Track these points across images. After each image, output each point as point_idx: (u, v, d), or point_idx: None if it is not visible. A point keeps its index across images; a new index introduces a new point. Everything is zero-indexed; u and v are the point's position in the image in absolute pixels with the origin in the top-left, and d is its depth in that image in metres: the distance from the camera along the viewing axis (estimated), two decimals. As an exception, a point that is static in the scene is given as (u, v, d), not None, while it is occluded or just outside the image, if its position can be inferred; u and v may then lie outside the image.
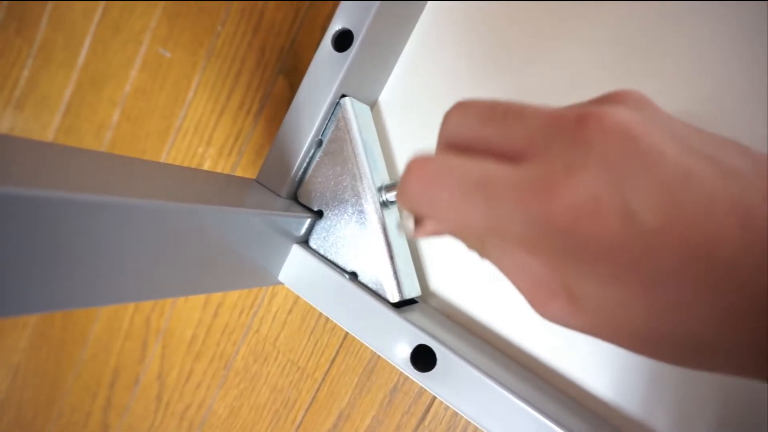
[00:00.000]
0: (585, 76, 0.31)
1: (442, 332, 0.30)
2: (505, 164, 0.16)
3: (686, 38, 0.29)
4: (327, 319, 0.42)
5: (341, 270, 0.31)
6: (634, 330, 0.15)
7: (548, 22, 0.31)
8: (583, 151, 0.15)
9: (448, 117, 0.19)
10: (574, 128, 0.15)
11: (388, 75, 0.35)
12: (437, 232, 0.21)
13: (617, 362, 0.30)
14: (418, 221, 0.21)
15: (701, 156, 0.14)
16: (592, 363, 0.31)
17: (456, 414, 0.37)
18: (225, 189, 0.29)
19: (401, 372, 0.38)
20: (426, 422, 0.38)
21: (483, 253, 0.19)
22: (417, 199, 0.17)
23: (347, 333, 0.41)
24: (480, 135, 0.17)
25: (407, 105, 0.35)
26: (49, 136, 0.56)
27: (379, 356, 0.40)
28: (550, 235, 0.15)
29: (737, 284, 0.13)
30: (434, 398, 0.38)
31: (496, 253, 0.18)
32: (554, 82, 0.31)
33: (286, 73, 0.44)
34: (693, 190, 0.14)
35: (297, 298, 0.43)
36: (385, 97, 0.35)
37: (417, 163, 0.17)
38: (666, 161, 0.14)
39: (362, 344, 0.40)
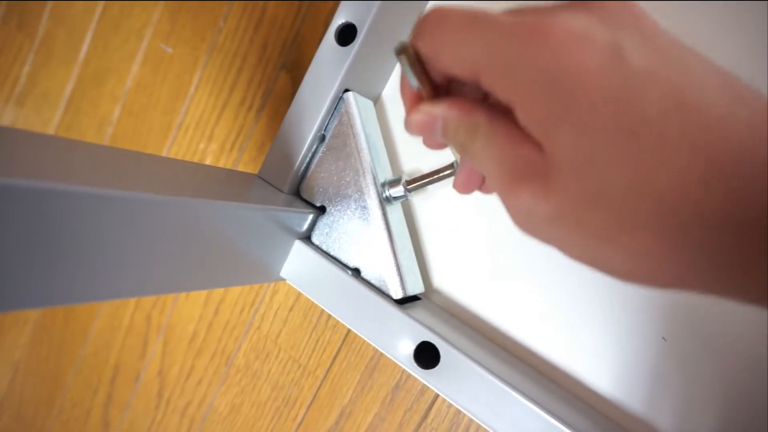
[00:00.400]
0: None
1: (445, 329, 0.29)
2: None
3: (684, 37, 0.28)
4: (329, 316, 0.42)
5: (344, 266, 0.31)
6: (609, 203, 0.14)
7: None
8: (585, 8, 0.15)
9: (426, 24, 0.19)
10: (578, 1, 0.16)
11: (392, 70, 0.35)
12: (434, 131, 0.20)
13: (620, 360, 0.30)
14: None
15: (692, 52, 0.15)
16: (596, 360, 0.31)
17: (459, 412, 0.37)
18: (227, 184, 0.29)
19: (403, 369, 0.38)
20: (428, 420, 0.38)
21: (468, 145, 0.19)
22: (429, 30, 0.18)
23: (349, 330, 0.41)
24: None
25: (411, 100, 0.35)
26: (50, 131, 0.55)
27: (381, 354, 0.39)
28: (540, 59, 0.15)
29: (725, 143, 0.13)
30: (437, 396, 0.38)
31: (481, 141, 0.18)
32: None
33: (289, 68, 0.44)
34: (683, 60, 0.14)
35: (299, 295, 0.43)
36: (388, 92, 0.35)
37: (435, 10, 0.18)
38: (661, 34, 0.15)
39: (364, 341, 0.40)
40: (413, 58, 0.19)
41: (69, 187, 0.17)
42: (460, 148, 0.19)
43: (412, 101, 0.20)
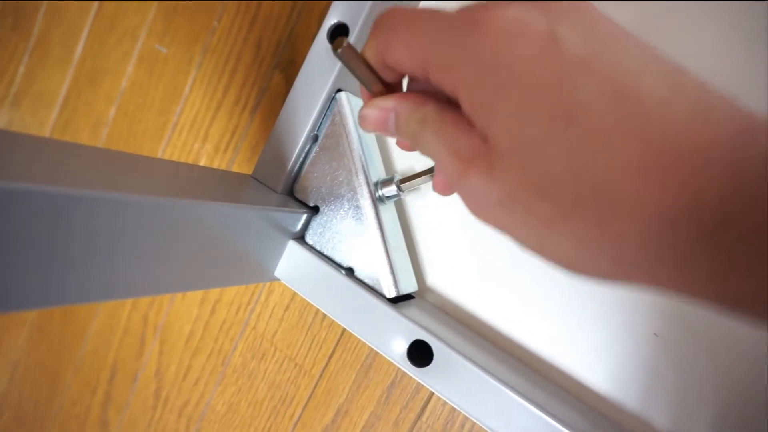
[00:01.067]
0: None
1: (438, 327, 0.30)
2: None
3: (684, 37, 0.28)
4: (324, 315, 0.42)
5: (338, 266, 0.31)
6: (551, 190, 0.14)
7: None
8: (527, 2, 0.16)
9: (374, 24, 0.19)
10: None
11: (385, 69, 0.35)
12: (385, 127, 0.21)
13: (615, 356, 0.30)
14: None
15: (637, 41, 0.15)
16: (590, 357, 0.31)
17: (454, 409, 0.37)
18: (221, 184, 0.29)
19: (399, 368, 0.38)
20: (424, 417, 0.38)
21: (420, 136, 0.19)
22: (382, 28, 0.18)
23: (344, 329, 0.41)
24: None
25: (404, 100, 0.35)
26: (45, 132, 0.55)
27: (376, 352, 0.39)
28: (476, 50, 0.15)
29: (663, 132, 0.13)
30: (432, 394, 0.38)
31: (431, 131, 0.18)
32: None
33: (283, 67, 0.44)
34: (625, 49, 0.14)
35: (294, 295, 0.43)
36: (381, 92, 0.35)
37: (389, 10, 0.19)
38: (603, 23, 0.15)
39: (360, 340, 0.40)
40: (351, 55, 0.19)
41: (63, 190, 0.17)
42: (413, 140, 0.19)
43: (367, 99, 0.21)
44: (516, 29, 0.15)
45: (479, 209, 0.17)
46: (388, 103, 0.20)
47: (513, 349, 0.32)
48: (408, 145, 0.23)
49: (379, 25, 0.19)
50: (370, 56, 0.19)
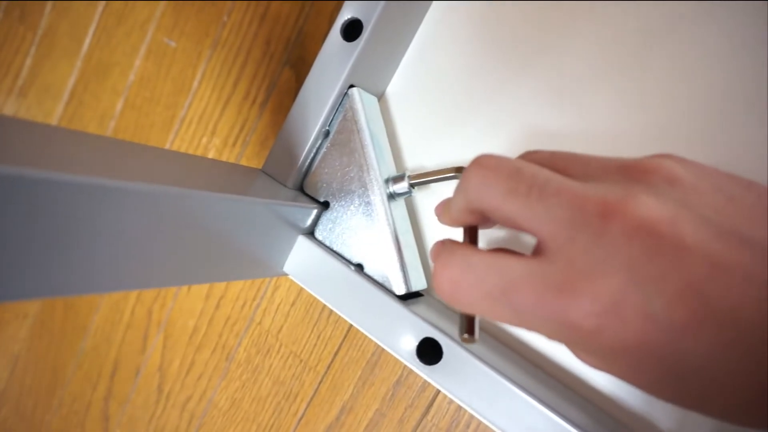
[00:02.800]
0: (594, 69, 0.30)
1: (448, 325, 0.29)
2: (526, 260, 0.16)
3: (690, 38, 0.28)
4: (330, 311, 0.42)
5: (347, 262, 0.31)
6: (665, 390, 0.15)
7: (557, 16, 0.31)
8: (605, 252, 0.14)
9: (468, 177, 0.19)
10: (597, 223, 0.15)
11: (397, 66, 0.35)
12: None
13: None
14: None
15: (734, 238, 0.14)
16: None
17: (459, 408, 0.37)
18: (231, 177, 0.29)
19: (405, 365, 0.38)
20: (429, 416, 0.38)
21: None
22: (448, 299, 0.18)
23: (351, 326, 0.41)
24: (502, 208, 0.17)
25: (415, 96, 0.35)
26: (52, 124, 0.55)
27: (382, 350, 0.39)
28: (572, 336, 0.15)
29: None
30: (438, 392, 0.38)
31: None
32: (563, 75, 0.31)
33: (293, 63, 0.44)
34: (721, 280, 0.13)
35: (300, 291, 0.43)
36: (392, 89, 0.35)
37: (441, 265, 0.18)
38: (692, 255, 0.14)
39: (365, 337, 0.40)
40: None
41: (71, 177, 0.17)
42: None
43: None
44: (610, 311, 0.14)
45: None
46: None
47: (520, 347, 0.32)
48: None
49: (445, 295, 0.18)
50: (462, 202, 0.19)
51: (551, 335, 0.16)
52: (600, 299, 0.14)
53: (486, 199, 0.18)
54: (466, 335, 0.20)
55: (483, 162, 0.18)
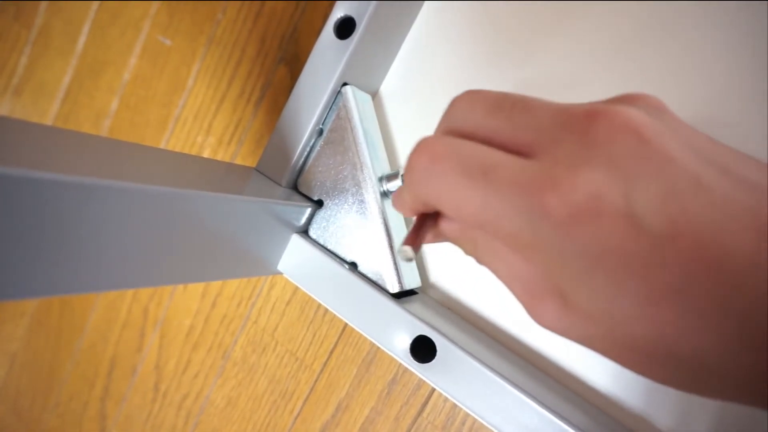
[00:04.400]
0: (584, 69, 0.30)
1: (442, 323, 0.30)
2: (512, 155, 0.16)
3: (685, 34, 0.28)
4: (326, 309, 0.42)
5: (341, 260, 0.31)
6: (634, 346, 0.14)
7: (549, 15, 0.31)
8: (589, 149, 0.14)
9: (454, 103, 0.18)
10: (583, 124, 0.14)
11: (390, 64, 0.35)
12: (435, 240, 0.21)
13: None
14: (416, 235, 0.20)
15: (716, 166, 0.14)
16: (593, 355, 0.31)
17: (455, 406, 0.37)
18: (225, 176, 0.29)
19: (400, 363, 0.38)
20: (425, 414, 0.38)
21: (478, 258, 0.19)
22: (422, 176, 0.17)
23: (346, 324, 0.41)
24: (485, 125, 0.17)
25: (409, 94, 0.35)
26: (47, 123, 0.55)
27: (378, 348, 0.39)
28: (545, 232, 0.14)
29: (751, 300, 0.12)
30: (433, 390, 0.38)
31: (489, 258, 0.18)
32: (553, 74, 0.31)
33: (287, 61, 0.43)
34: (704, 198, 0.13)
35: (295, 289, 0.43)
36: (386, 87, 0.35)
37: (426, 141, 0.17)
38: (677, 166, 0.13)
39: (361, 335, 0.40)
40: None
41: (64, 177, 0.17)
42: (473, 257, 0.19)
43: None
44: (590, 205, 0.13)
45: (555, 333, 0.17)
46: (430, 237, 0.19)
47: (516, 346, 0.32)
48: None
49: (422, 168, 0.17)
50: (408, 199, 0.19)
51: (517, 231, 0.15)
52: (581, 188, 0.13)
53: (470, 119, 0.17)
54: (407, 246, 0.18)
55: (470, 90, 0.18)
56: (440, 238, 0.20)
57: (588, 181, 0.13)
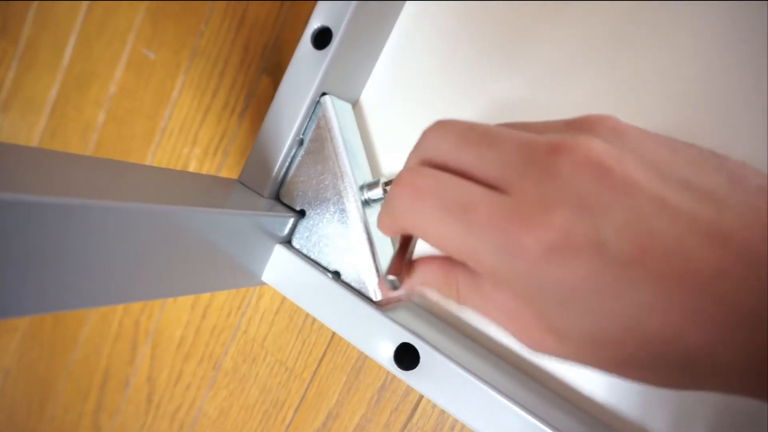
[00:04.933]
0: (566, 73, 0.31)
1: (426, 330, 0.30)
2: (488, 189, 0.16)
3: (668, 37, 0.28)
4: (314, 318, 0.42)
5: (324, 269, 0.31)
6: (623, 360, 0.15)
7: (528, 21, 0.31)
8: (556, 185, 0.15)
9: (426, 134, 0.19)
10: (547, 161, 0.15)
11: (369, 73, 0.35)
12: (415, 286, 0.22)
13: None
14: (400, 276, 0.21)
15: (676, 181, 0.14)
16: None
17: (444, 412, 0.37)
18: (207, 190, 0.29)
19: (389, 371, 0.38)
20: (414, 420, 0.38)
21: (459, 300, 0.19)
22: (405, 211, 0.18)
23: (334, 332, 0.41)
24: (457, 158, 0.18)
25: (389, 103, 0.35)
26: (35, 137, 0.55)
27: (366, 355, 0.39)
28: (522, 267, 0.15)
29: (719, 303, 0.13)
30: (422, 397, 0.38)
31: (471, 297, 0.19)
32: (535, 78, 0.31)
33: (270, 71, 0.44)
34: (668, 216, 0.14)
35: (283, 299, 0.43)
36: (367, 94, 0.35)
37: (407, 174, 0.18)
38: (639, 190, 0.14)
39: (349, 343, 0.40)
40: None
41: (48, 199, 0.17)
42: (454, 300, 0.20)
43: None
44: (562, 241, 0.14)
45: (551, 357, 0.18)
46: (413, 282, 0.20)
47: (501, 350, 0.32)
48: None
49: (404, 201, 0.18)
50: (391, 224, 0.20)
51: (498, 266, 0.16)
52: (553, 226, 0.14)
53: (441, 151, 0.18)
54: (391, 276, 0.19)
55: (440, 121, 0.19)
56: (424, 285, 0.21)
57: (559, 218, 0.14)
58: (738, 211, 0.13)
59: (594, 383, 0.30)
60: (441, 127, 0.19)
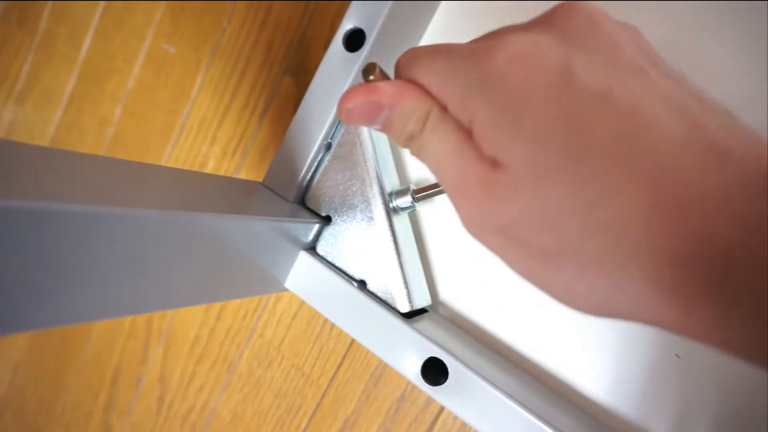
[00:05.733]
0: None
1: (453, 343, 0.29)
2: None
3: (671, 36, 0.27)
4: (333, 324, 0.41)
5: (349, 278, 0.30)
6: (554, 226, 0.14)
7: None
8: (546, 24, 0.15)
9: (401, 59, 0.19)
10: (546, 14, 0.16)
11: (400, 75, 0.34)
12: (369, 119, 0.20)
13: (638, 380, 0.29)
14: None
15: (652, 61, 0.15)
16: (610, 379, 0.30)
17: (465, 424, 0.36)
18: (231, 194, 0.28)
19: (409, 380, 0.37)
20: (434, 432, 0.37)
21: (417, 136, 0.18)
22: (403, 69, 0.18)
23: (353, 339, 0.40)
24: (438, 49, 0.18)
25: (419, 107, 0.34)
26: (50, 130, 0.55)
27: (386, 363, 0.39)
28: (484, 80, 0.15)
29: (675, 175, 0.13)
30: (443, 408, 0.37)
31: (433, 134, 0.17)
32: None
33: (293, 71, 0.43)
34: (645, 83, 0.14)
35: (302, 303, 0.42)
36: (395, 99, 0.34)
37: (407, 51, 0.19)
38: (622, 51, 0.14)
39: (369, 351, 0.40)
40: (379, 77, 0.19)
41: (66, 207, 0.16)
42: (406, 141, 0.18)
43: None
44: (531, 58, 0.14)
45: (476, 231, 0.17)
46: (380, 98, 0.18)
47: (526, 365, 0.32)
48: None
49: (400, 65, 0.19)
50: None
51: (465, 83, 0.16)
52: (524, 41, 0.15)
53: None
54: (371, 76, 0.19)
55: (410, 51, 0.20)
56: (383, 118, 0.19)
57: (533, 38, 0.15)
58: (708, 107, 0.14)
59: (620, 399, 0.30)
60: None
